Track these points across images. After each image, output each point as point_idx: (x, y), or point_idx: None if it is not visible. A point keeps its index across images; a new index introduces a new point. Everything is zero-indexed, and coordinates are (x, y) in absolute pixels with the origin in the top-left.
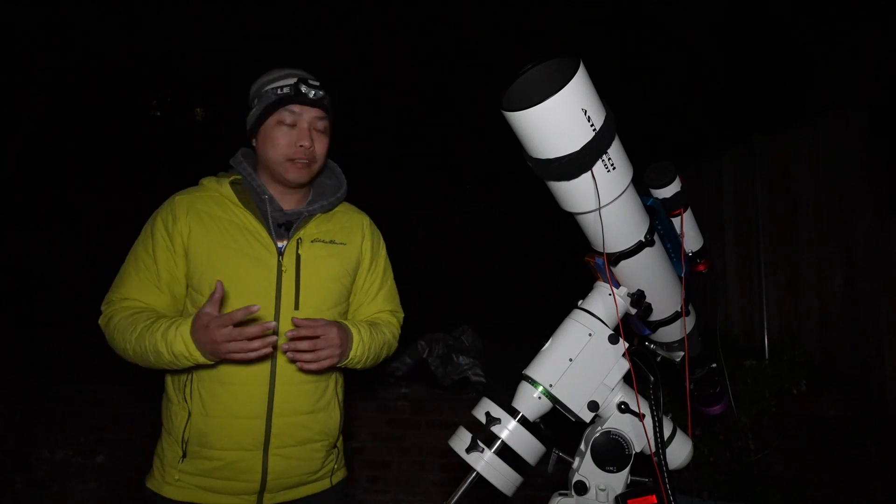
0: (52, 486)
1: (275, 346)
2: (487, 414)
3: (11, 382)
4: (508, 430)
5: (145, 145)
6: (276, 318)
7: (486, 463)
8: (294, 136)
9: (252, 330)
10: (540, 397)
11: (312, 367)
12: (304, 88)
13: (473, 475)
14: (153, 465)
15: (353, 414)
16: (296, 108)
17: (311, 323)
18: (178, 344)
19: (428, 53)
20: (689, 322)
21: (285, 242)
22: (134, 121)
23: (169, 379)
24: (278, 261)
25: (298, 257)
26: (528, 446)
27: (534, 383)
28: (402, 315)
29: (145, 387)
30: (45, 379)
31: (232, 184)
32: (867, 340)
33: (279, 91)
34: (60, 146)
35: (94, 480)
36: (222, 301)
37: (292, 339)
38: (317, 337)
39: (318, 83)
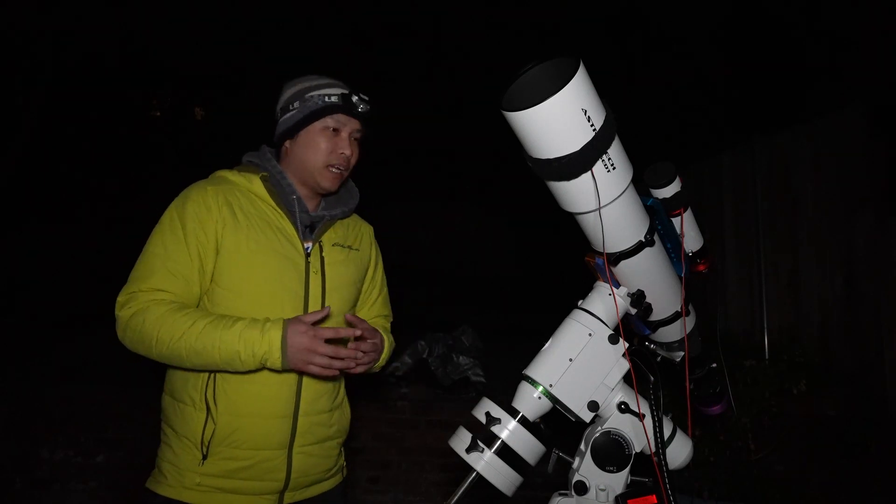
0: (52, 486)
1: None
2: (487, 414)
3: (11, 382)
4: (508, 430)
5: (145, 145)
6: None
7: (486, 463)
8: (337, 143)
9: (343, 352)
10: (540, 397)
11: (359, 369)
12: (355, 100)
13: (473, 475)
14: (163, 471)
15: (354, 414)
16: (342, 117)
17: (369, 326)
18: (263, 345)
19: (429, 53)
20: (689, 322)
21: (310, 244)
22: (134, 121)
23: (181, 381)
24: (306, 262)
25: (323, 259)
26: (528, 446)
27: (534, 383)
28: (392, 319)
29: (145, 387)
30: (45, 379)
31: (262, 180)
32: (867, 340)
33: (328, 98)
34: (61, 146)
35: (94, 480)
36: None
37: (357, 340)
38: (364, 339)
39: (367, 98)
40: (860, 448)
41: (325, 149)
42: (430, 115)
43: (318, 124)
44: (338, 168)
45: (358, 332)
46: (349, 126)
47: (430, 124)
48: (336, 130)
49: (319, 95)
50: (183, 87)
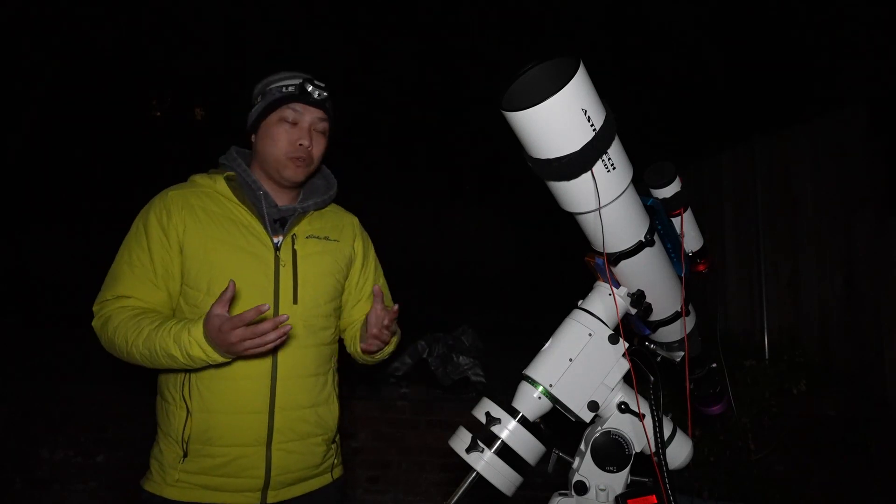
0: (52, 486)
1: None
2: (487, 414)
3: (11, 382)
4: (508, 430)
5: (145, 145)
6: (275, 312)
7: (486, 463)
8: (295, 134)
9: (265, 326)
10: (540, 397)
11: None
12: (309, 88)
13: (473, 475)
14: (150, 467)
15: (354, 414)
16: (299, 106)
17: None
18: (195, 348)
19: (429, 53)
20: (689, 322)
21: (280, 238)
22: (134, 121)
23: (164, 379)
24: (275, 256)
25: (295, 252)
26: (528, 446)
27: (534, 383)
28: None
29: (145, 387)
30: (45, 379)
31: (226, 180)
32: (867, 340)
33: (284, 89)
34: (61, 146)
35: (94, 480)
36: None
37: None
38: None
39: (322, 85)
40: (860, 448)
41: (283, 140)
42: (430, 115)
43: (274, 115)
44: (299, 159)
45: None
46: (308, 116)
47: (430, 124)
48: (294, 123)
49: (278, 87)
50: (183, 87)
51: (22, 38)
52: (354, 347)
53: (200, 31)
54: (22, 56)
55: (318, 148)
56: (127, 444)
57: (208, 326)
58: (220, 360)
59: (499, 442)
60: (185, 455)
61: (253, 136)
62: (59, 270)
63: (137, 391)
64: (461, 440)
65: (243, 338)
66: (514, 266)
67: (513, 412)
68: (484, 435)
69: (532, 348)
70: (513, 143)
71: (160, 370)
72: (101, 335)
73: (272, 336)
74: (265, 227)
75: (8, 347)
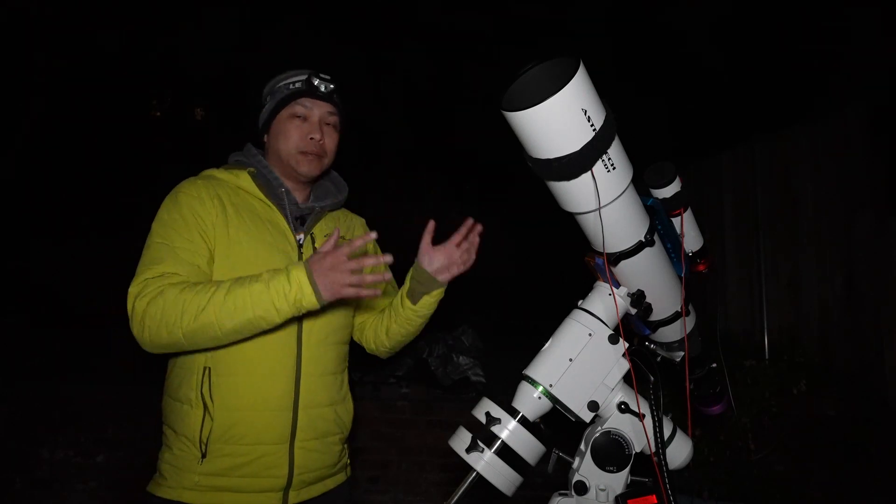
0: (52, 486)
1: (299, 338)
2: (487, 414)
3: (12, 382)
4: (508, 430)
5: (145, 145)
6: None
7: (485, 463)
8: (305, 129)
9: (369, 261)
10: (540, 397)
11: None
12: (316, 82)
13: (473, 475)
14: (162, 472)
15: (354, 414)
16: (307, 101)
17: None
18: (293, 286)
19: (430, 53)
20: (689, 322)
21: (302, 236)
22: (134, 121)
23: (176, 380)
24: (300, 253)
25: (315, 251)
26: (528, 446)
27: (534, 383)
28: None
29: (145, 387)
30: (45, 379)
31: (249, 175)
32: (867, 340)
33: (292, 86)
34: (61, 147)
35: (94, 480)
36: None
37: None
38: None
39: (328, 77)
40: (860, 448)
41: (294, 136)
42: (430, 115)
43: (285, 112)
44: (311, 153)
45: (371, 260)
46: (317, 110)
47: (430, 124)
48: (304, 118)
49: (286, 85)
50: (184, 87)
51: (21, 38)
52: (381, 335)
53: (202, 31)
54: (21, 56)
55: (331, 141)
56: (127, 444)
57: (313, 258)
58: (314, 301)
59: (499, 442)
60: (204, 456)
61: (266, 137)
62: (60, 270)
63: (137, 391)
64: (461, 440)
65: (349, 264)
66: (515, 266)
67: (513, 412)
68: (484, 435)
69: (532, 348)
70: (513, 143)
71: (173, 370)
72: (147, 313)
73: (370, 279)
74: (289, 224)
75: (8, 347)
